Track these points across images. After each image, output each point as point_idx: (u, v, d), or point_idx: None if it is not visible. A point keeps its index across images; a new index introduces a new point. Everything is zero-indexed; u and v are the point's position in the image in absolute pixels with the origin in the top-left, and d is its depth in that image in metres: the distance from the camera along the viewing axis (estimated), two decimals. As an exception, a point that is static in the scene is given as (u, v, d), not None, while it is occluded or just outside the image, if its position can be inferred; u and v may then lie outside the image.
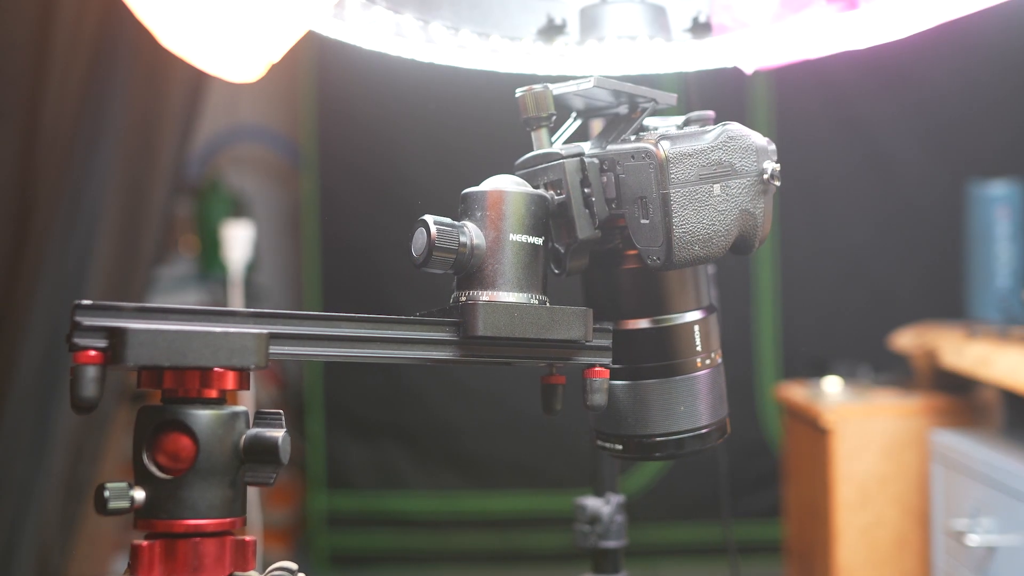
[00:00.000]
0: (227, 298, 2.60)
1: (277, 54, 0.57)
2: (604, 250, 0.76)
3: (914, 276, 3.04)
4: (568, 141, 0.82)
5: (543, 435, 3.06)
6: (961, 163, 2.90)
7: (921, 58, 2.79)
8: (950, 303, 2.65)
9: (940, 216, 2.92)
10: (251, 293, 3.15)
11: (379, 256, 3.13)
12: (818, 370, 2.52)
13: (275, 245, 3.62)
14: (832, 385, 2.43)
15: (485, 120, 2.32)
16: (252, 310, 0.61)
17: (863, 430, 2.21)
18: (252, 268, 2.94)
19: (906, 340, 2.39)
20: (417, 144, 3.13)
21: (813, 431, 2.31)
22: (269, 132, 3.60)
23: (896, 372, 2.51)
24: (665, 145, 0.71)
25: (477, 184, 0.74)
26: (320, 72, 3.16)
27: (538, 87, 0.76)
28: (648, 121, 0.80)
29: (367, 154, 3.18)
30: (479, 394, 3.15)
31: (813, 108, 3.03)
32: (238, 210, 3.41)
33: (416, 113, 3.00)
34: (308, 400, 3.22)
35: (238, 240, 2.44)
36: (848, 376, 2.48)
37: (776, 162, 0.74)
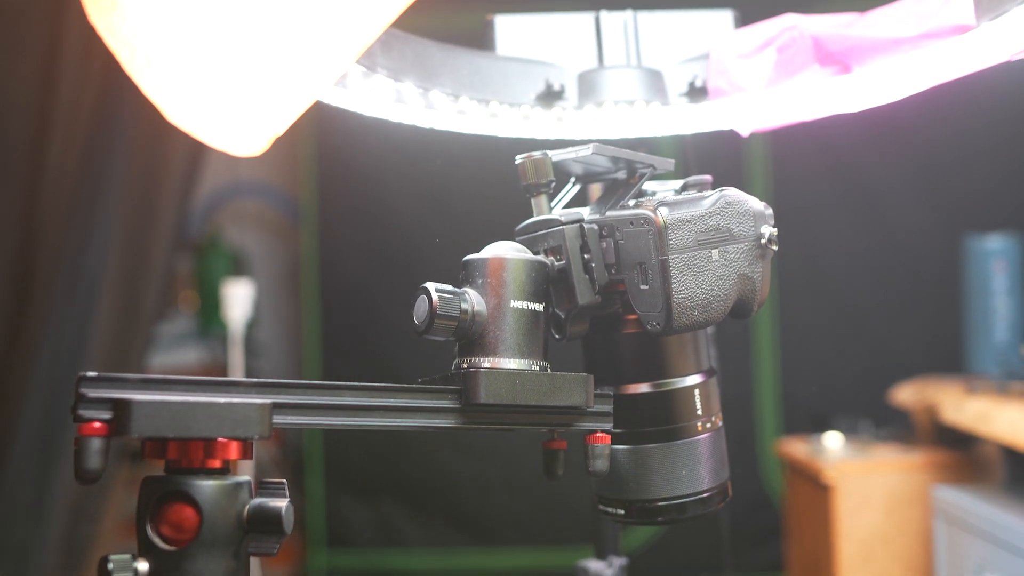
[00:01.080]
0: (227, 356, 2.60)
1: (281, 127, 0.58)
2: (604, 315, 0.77)
3: (914, 330, 3.04)
4: (567, 206, 0.83)
5: (544, 491, 3.05)
6: (959, 217, 2.91)
7: (917, 113, 2.80)
8: (950, 357, 2.65)
9: (939, 270, 2.93)
10: (251, 350, 3.15)
11: (379, 313, 3.14)
12: (819, 425, 2.52)
13: (275, 301, 3.63)
14: (833, 441, 2.43)
15: (485, 182, 2.34)
16: (255, 380, 0.61)
17: (865, 486, 2.20)
18: (252, 325, 2.94)
19: (906, 395, 2.39)
20: (417, 203, 3.15)
21: (815, 487, 2.30)
22: (269, 188, 3.62)
23: (897, 427, 2.51)
24: (663, 211, 0.71)
25: (477, 249, 0.75)
26: (320, 129, 3.18)
27: (537, 154, 0.77)
28: (646, 185, 0.81)
29: (367, 211, 3.19)
30: (480, 451, 3.14)
31: (810, 165, 3.05)
32: (238, 267, 3.41)
33: (416, 172, 3.02)
34: (307, 458, 3.21)
35: (238, 299, 2.45)
36: (849, 431, 2.48)
37: (773, 226, 0.75)
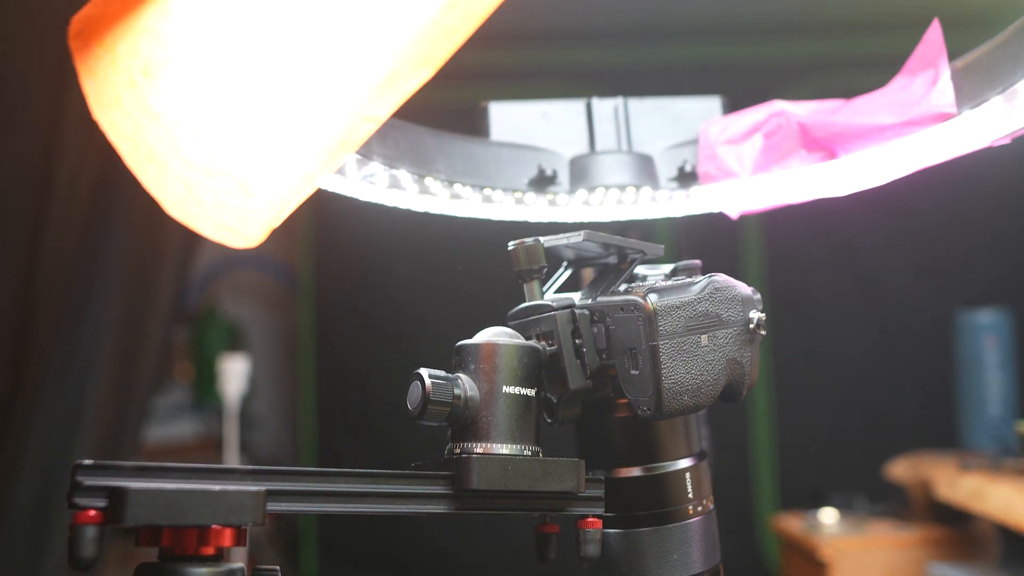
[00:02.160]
0: (222, 430, 2.60)
1: (278, 220, 0.59)
2: (596, 399, 0.78)
3: (910, 405, 3.05)
4: (560, 290, 0.85)
5: (540, 569, 3.02)
6: (951, 292, 2.93)
7: (910, 191, 2.84)
8: (945, 431, 2.65)
9: (934, 345, 2.94)
10: (246, 423, 3.15)
11: (374, 386, 3.14)
12: (815, 501, 2.51)
13: (271, 372, 3.63)
14: (829, 517, 2.42)
15: (479, 264, 2.35)
16: (249, 468, 0.62)
17: (861, 563, 2.19)
18: (248, 397, 2.94)
19: (901, 470, 2.39)
20: (414, 279, 3.16)
21: (811, 564, 2.29)
22: (266, 260, 3.64)
23: (893, 503, 2.50)
24: (653, 298, 0.73)
25: (471, 331, 0.76)
26: (317, 201, 3.19)
27: (529, 240, 0.78)
28: (638, 269, 0.82)
29: (364, 284, 3.21)
30: (475, 527, 3.12)
31: (804, 241, 3.07)
32: (234, 339, 3.42)
33: (413, 248, 3.04)
34: (302, 533, 3.19)
35: (234, 374, 2.46)
36: (844, 507, 2.47)
37: (761, 311, 0.76)
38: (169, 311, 2.45)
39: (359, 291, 3.21)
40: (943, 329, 2.66)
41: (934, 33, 0.91)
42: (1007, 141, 0.88)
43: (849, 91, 0.99)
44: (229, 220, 0.58)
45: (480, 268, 2.33)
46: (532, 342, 0.75)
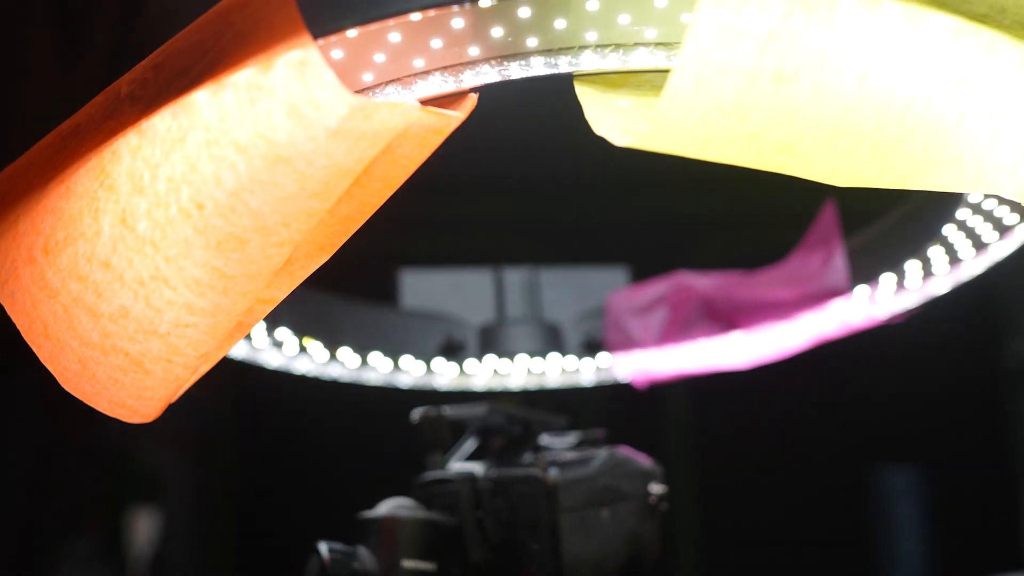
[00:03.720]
0: (130, 585, 2.52)
1: (175, 396, 0.60)
2: (498, 571, 0.78)
3: (829, 565, 3.04)
4: (468, 457, 0.85)
5: None
6: (869, 453, 2.96)
7: (829, 354, 2.89)
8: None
9: (852, 505, 2.95)
10: (158, 573, 3.04)
11: (290, 542, 3.07)
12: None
13: (187, 520, 3.53)
14: None
15: (387, 431, 2.33)
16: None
17: None
18: (162, 547, 2.86)
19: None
20: (326, 433, 3.12)
21: None
22: (185, 402, 3.57)
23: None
24: (554, 472, 0.74)
25: (373, 501, 0.76)
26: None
27: (433, 412, 0.79)
28: (543, 439, 0.83)
29: (284, 435, 3.16)
30: None
31: (729, 404, 3.09)
32: (148, 489, 3.33)
33: (325, 404, 3.00)
34: None
35: (145, 526, 2.41)
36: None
37: (662, 485, 0.78)
38: (82, 457, 2.39)
39: (281, 441, 3.17)
40: (861, 489, 2.68)
41: (829, 213, 0.96)
42: (899, 319, 0.92)
43: (757, 248, 1.02)
44: (124, 398, 0.58)
45: (390, 433, 2.33)
46: (434, 514, 0.75)
